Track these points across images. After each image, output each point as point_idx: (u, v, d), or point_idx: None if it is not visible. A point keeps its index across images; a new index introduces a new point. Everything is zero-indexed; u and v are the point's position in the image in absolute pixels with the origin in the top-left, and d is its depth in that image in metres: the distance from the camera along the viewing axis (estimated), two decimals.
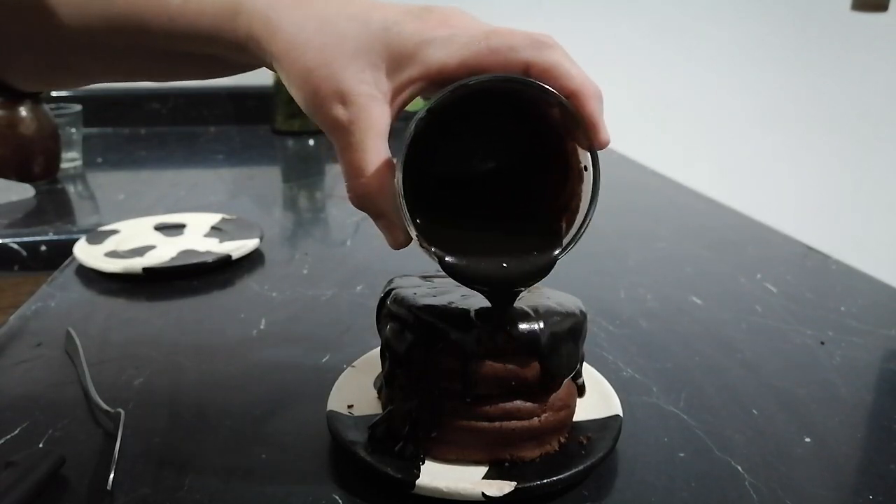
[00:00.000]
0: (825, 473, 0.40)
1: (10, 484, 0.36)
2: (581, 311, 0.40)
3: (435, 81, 0.32)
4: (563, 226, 0.35)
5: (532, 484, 0.36)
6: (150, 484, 0.38)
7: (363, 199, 0.33)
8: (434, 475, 0.37)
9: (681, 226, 0.86)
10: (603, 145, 0.33)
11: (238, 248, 0.71)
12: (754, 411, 0.46)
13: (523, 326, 0.37)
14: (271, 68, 0.34)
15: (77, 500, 0.37)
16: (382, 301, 0.42)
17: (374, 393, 0.45)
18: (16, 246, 0.80)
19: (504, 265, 0.34)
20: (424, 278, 0.44)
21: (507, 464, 0.39)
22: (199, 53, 0.36)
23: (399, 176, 0.31)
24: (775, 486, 0.39)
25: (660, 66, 1.54)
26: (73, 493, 0.38)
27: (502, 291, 0.36)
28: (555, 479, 0.37)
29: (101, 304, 0.63)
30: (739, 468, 0.40)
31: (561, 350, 0.38)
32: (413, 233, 0.32)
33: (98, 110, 1.34)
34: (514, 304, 0.39)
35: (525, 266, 0.35)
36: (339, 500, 0.37)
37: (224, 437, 0.43)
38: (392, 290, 0.41)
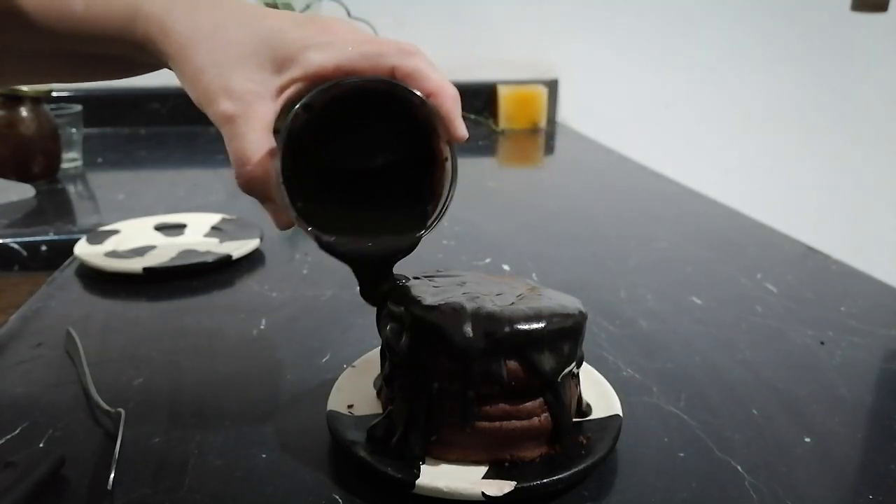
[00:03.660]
0: (825, 473, 0.40)
1: (10, 484, 0.36)
2: (581, 312, 0.40)
3: (315, 82, 0.36)
4: (430, 209, 0.39)
5: (532, 484, 0.36)
6: (150, 484, 0.38)
7: (250, 184, 0.36)
8: (434, 475, 0.37)
9: (681, 226, 0.86)
10: (460, 139, 0.37)
11: (238, 248, 0.71)
12: (754, 411, 0.46)
13: (524, 327, 0.37)
14: (169, 68, 0.38)
15: (77, 501, 0.37)
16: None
17: (374, 393, 0.45)
18: (16, 246, 0.80)
19: (371, 244, 0.39)
20: (425, 278, 0.44)
21: (507, 464, 0.39)
22: (107, 54, 0.39)
23: (278, 164, 0.34)
24: (775, 486, 0.39)
25: (660, 66, 1.54)
26: (73, 494, 0.38)
27: (371, 267, 0.40)
28: (555, 478, 0.37)
29: (101, 304, 0.63)
30: (739, 468, 0.40)
31: (560, 350, 0.38)
32: (293, 215, 0.36)
33: (98, 110, 1.34)
34: (516, 306, 0.39)
35: (392, 244, 0.39)
36: (339, 500, 0.37)
37: (223, 437, 0.43)
38: (392, 289, 0.41)
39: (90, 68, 0.42)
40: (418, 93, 0.36)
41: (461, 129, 0.37)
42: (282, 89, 0.36)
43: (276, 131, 0.36)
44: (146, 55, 0.38)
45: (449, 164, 0.38)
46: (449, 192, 0.38)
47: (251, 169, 0.36)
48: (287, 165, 0.35)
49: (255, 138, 0.35)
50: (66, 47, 0.39)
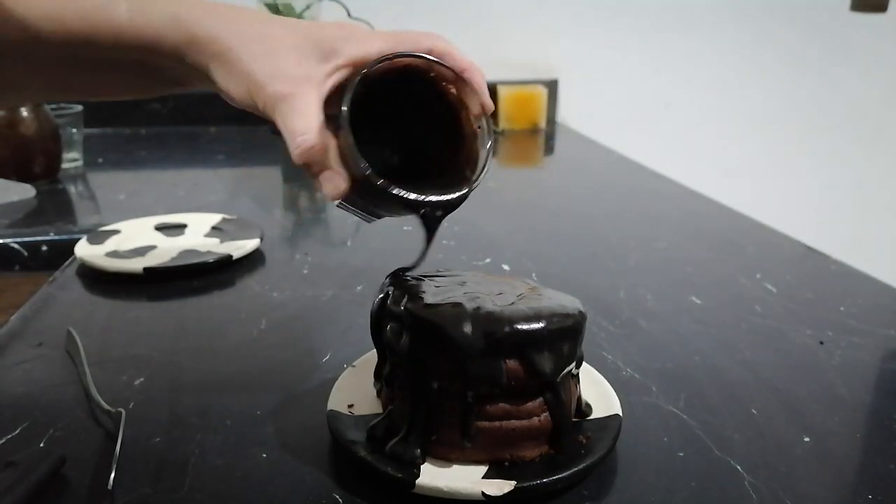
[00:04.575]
0: (825, 473, 0.40)
1: (11, 484, 0.36)
2: (580, 312, 0.40)
3: (359, 68, 0.39)
4: (469, 172, 0.43)
5: (532, 483, 0.37)
6: (151, 484, 0.38)
7: (308, 153, 0.39)
8: (434, 475, 0.37)
9: (681, 226, 0.86)
10: (489, 108, 0.42)
11: (239, 248, 0.71)
12: (754, 411, 0.46)
13: (524, 327, 0.37)
14: (203, 71, 0.39)
15: (77, 500, 0.37)
16: (382, 301, 0.42)
17: (374, 393, 0.45)
18: (17, 246, 0.80)
19: (435, 196, 0.41)
20: (425, 278, 0.44)
21: (506, 463, 0.39)
22: (140, 63, 0.41)
23: (347, 128, 0.38)
24: (775, 486, 0.39)
25: (659, 66, 1.54)
26: (73, 493, 0.38)
27: (435, 215, 0.42)
28: (554, 478, 0.37)
29: (101, 303, 0.63)
30: (739, 468, 0.40)
31: (560, 350, 0.38)
32: (367, 171, 0.38)
33: (98, 110, 1.34)
34: (516, 306, 0.39)
35: (449, 196, 0.41)
36: (340, 500, 0.37)
37: (224, 437, 0.43)
38: (391, 290, 0.41)
39: (119, 80, 0.43)
40: (453, 68, 0.41)
41: (490, 100, 0.42)
42: (329, 74, 0.40)
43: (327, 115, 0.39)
44: (179, 63, 0.39)
45: (484, 129, 0.42)
46: (488, 154, 0.42)
47: (310, 138, 0.38)
48: (351, 133, 0.38)
49: (311, 112, 0.38)
50: (102, 56, 0.40)
